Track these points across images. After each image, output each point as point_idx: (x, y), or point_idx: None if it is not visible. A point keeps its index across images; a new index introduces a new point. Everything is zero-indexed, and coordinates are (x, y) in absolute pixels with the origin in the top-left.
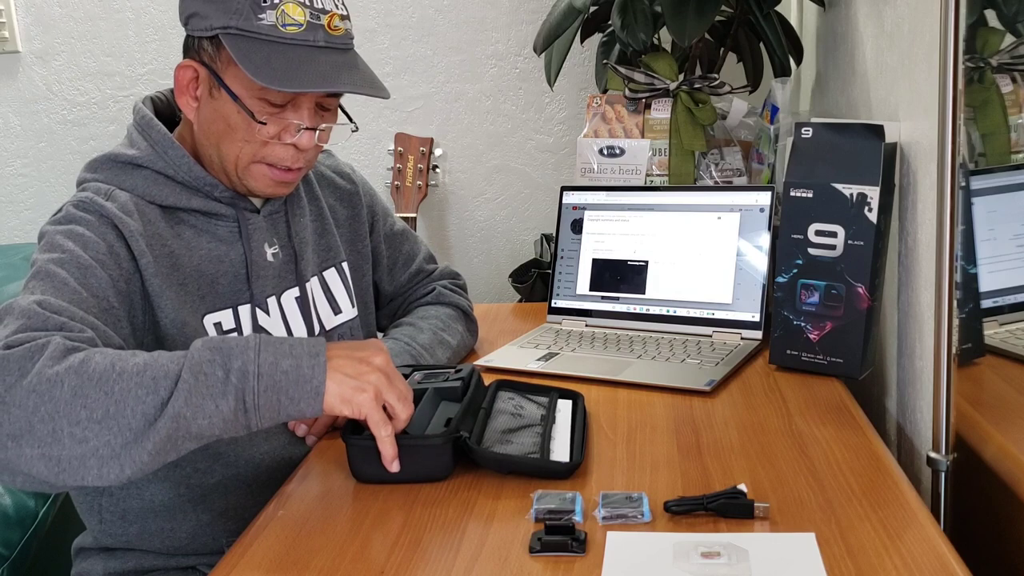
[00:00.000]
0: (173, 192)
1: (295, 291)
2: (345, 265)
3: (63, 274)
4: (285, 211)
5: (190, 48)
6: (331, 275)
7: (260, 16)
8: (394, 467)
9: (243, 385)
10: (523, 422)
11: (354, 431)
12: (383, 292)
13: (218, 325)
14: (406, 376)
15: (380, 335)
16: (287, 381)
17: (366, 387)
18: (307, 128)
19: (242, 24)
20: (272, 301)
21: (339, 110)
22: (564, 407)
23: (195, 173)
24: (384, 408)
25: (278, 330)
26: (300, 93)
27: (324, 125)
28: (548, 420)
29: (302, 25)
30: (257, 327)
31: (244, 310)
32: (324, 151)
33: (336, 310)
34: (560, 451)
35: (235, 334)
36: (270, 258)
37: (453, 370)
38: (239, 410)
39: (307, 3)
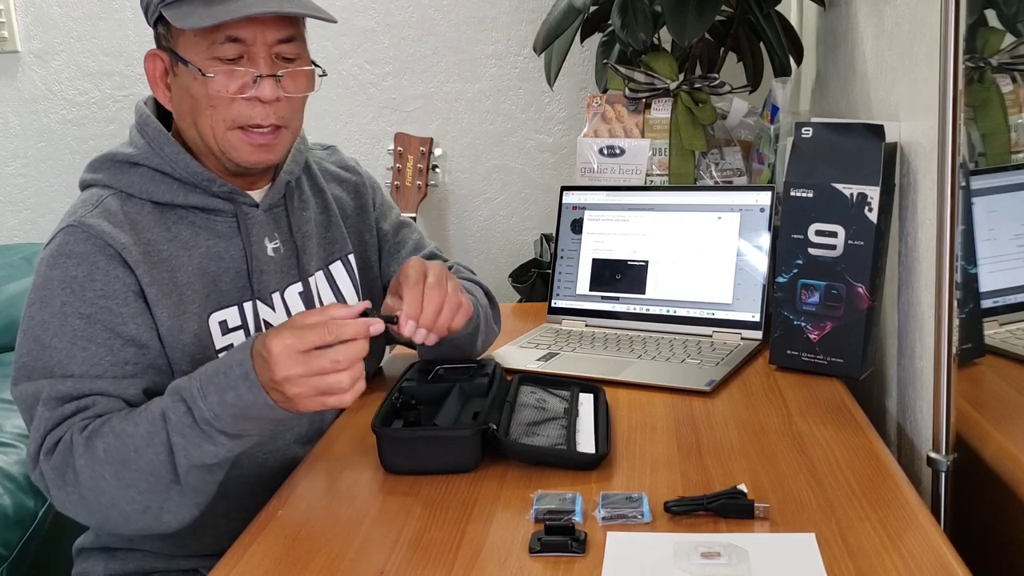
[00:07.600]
0: (170, 189)
1: (298, 286)
2: (352, 258)
3: (64, 341)
4: (285, 205)
5: (155, 42)
6: (337, 268)
7: None
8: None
9: (212, 426)
10: (547, 415)
11: (384, 423)
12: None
13: (223, 323)
14: (428, 372)
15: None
16: (241, 411)
17: (302, 394)
18: (264, 76)
19: None
20: (276, 296)
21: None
22: (586, 400)
23: (192, 169)
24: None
25: None
26: (251, 43)
27: (282, 71)
28: (572, 413)
29: None
30: (261, 322)
31: (249, 306)
32: (327, 148)
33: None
34: (586, 443)
35: (240, 332)
36: (271, 252)
37: (476, 365)
38: (233, 439)
39: None
